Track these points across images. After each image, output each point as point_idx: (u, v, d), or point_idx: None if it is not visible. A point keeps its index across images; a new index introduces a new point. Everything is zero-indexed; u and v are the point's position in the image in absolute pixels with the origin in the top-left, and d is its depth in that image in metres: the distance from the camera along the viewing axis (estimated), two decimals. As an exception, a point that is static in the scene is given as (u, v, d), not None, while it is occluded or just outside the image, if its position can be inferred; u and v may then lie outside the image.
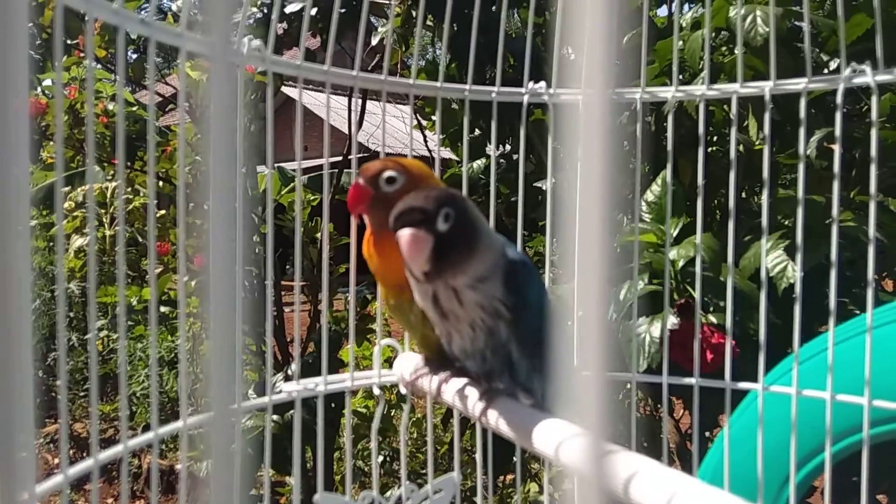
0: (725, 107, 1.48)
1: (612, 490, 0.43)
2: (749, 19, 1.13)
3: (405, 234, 0.54)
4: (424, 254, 0.54)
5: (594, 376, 0.22)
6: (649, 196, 1.29)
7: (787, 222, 1.35)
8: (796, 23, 1.44)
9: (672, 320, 1.05)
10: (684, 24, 1.46)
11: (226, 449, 0.23)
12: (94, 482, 0.57)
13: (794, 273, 1.17)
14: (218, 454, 0.22)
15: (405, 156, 0.76)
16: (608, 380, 0.22)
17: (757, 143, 1.46)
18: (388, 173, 0.64)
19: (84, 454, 0.60)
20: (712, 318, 1.11)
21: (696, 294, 0.85)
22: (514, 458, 1.00)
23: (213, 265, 0.22)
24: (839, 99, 0.74)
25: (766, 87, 0.79)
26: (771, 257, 1.22)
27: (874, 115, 0.74)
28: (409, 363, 0.77)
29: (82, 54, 2.35)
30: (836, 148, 0.73)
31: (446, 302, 0.58)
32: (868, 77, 0.72)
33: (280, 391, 0.78)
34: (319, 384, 0.79)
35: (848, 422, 0.80)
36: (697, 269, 0.84)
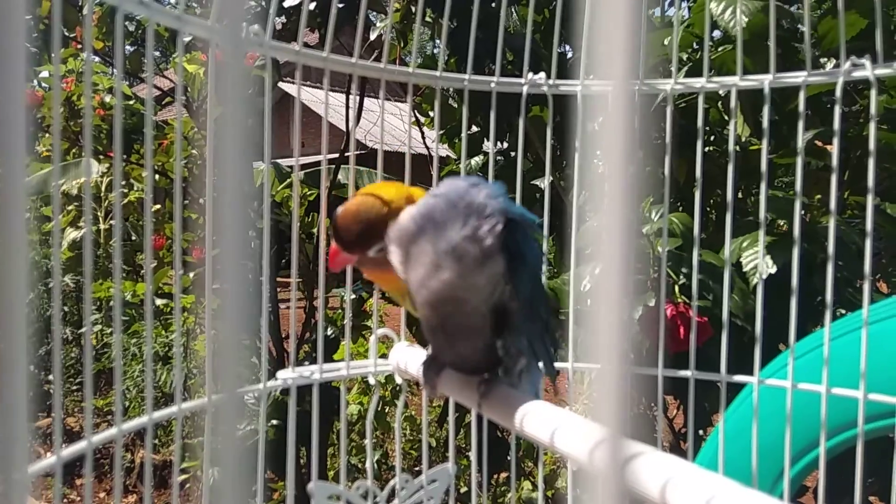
0: (720, 104, 1.48)
1: (632, 492, 0.42)
2: (729, 11, 1.14)
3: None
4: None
5: (612, 370, 0.21)
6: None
7: (771, 218, 1.36)
8: (799, 26, 1.45)
9: (650, 304, 1.06)
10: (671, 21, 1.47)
11: (236, 431, 0.22)
12: (87, 463, 0.57)
13: (765, 270, 1.17)
14: (227, 436, 0.22)
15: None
16: (628, 374, 0.21)
17: (747, 139, 1.47)
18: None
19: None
20: (684, 298, 1.12)
21: (694, 284, 0.85)
22: (509, 457, 1.00)
23: (225, 254, 0.21)
24: (838, 93, 0.74)
25: (765, 81, 0.79)
26: (748, 252, 1.23)
27: (873, 109, 0.74)
28: (404, 353, 0.76)
29: (79, 46, 2.35)
30: (835, 142, 0.73)
31: None
32: (867, 71, 0.73)
33: (276, 378, 0.77)
34: (315, 372, 0.79)
35: (843, 417, 0.80)
36: (695, 259, 0.84)
